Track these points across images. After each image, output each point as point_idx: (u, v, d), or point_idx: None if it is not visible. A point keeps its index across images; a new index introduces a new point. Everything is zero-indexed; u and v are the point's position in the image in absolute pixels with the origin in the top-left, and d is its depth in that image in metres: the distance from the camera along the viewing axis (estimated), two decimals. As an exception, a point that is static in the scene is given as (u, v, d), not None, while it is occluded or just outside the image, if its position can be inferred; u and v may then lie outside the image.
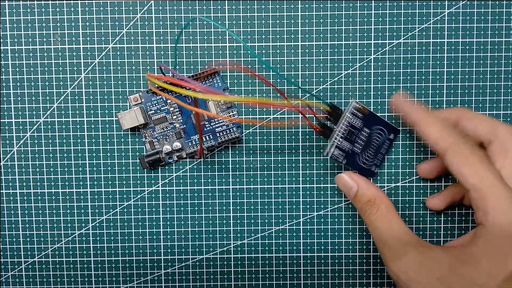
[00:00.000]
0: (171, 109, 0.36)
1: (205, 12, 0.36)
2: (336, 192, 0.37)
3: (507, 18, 0.36)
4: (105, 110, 0.37)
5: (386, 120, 0.36)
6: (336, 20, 0.36)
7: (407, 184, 0.37)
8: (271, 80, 0.36)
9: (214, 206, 0.37)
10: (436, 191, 0.37)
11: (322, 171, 0.37)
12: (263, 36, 0.36)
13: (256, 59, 0.36)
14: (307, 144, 0.37)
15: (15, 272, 0.38)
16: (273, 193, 0.37)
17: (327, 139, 0.34)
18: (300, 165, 0.37)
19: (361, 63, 0.36)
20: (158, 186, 0.37)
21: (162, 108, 0.36)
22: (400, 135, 0.37)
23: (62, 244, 0.38)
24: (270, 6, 0.36)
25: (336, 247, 0.37)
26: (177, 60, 0.36)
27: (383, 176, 0.37)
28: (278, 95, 0.36)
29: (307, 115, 0.34)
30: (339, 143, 0.34)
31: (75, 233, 0.38)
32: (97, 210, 0.37)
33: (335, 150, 0.34)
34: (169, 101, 0.36)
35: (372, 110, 0.35)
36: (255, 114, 0.37)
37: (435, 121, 0.31)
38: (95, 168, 0.37)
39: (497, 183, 0.27)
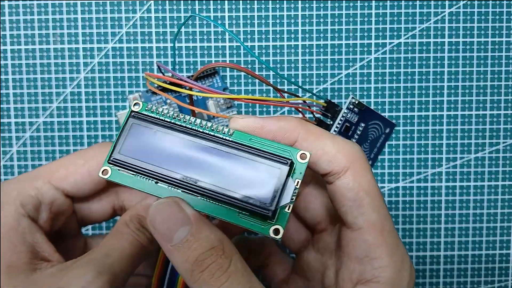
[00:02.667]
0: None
1: (205, 12, 0.36)
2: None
3: (507, 18, 0.36)
4: (105, 110, 0.36)
5: (382, 115, 0.36)
6: (336, 20, 0.36)
7: (407, 184, 0.37)
8: (271, 81, 0.36)
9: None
10: (437, 191, 0.37)
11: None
12: (263, 36, 0.36)
13: (256, 58, 0.36)
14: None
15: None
16: (273, 193, 0.37)
17: None
18: (300, 165, 0.37)
19: (361, 63, 0.36)
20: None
21: (162, 108, 0.36)
22: (401, 135, 0.37)
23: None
24: (270, 6, 0.36)
25: (336, 248, 0.37)
26: (177, 59, 0.36)
27: (383, 176, 0.37)
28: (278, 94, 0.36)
29: (304, 112, 0.33)
30: None
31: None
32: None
33: None
34: (168, 101, 0.36)
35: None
36: (255, 114, 0.37)
37: (323, 132, 0.22)
38: (94, 168, 0.37)
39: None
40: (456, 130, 0.37)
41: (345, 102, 0.36)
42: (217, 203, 0.20)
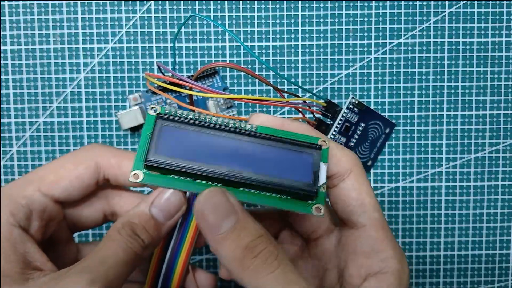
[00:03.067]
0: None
1: (205, 12, 0.36)
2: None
3: (507, 18, 0.36)
4: (105, 110, 0.36)
5: (382, 115, 0.36)
6: (336, 20, 0.36)
7: (407, 184, 0.37)
8: (271, 81, 0.36)
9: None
10: (437, 191, 0.37)
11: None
12: (263, 36, 0.36)
13: (256, 58, 0.36)
14: (307, 144, 0.37)
15: None
16: (273, 193, 0.37)
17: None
18: (300, 165, 0.37)
19: (361, 63, 0.36)
20: (158, 186, 0.37)
21: (162, 108, 0.36)
22: (401, 135, 0.37)
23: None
24: (270, 6, 0.36)
25: (336, 248, 0.37)
26: (177, 59, 0.36)
27: (383, 176, 0.37)
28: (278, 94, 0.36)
29: (304, 112, 0.34)
30: (333, 137, 0.34)
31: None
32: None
33: None
34: (168, 100, 0.36)
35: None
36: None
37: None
38: (94, 168, 0.37)
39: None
40: (456, 130, 0.37)
41: (345, 102, 0.36)
42: (259, 192, 0.21)
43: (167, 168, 0.20)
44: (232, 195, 0.20)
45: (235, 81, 0.36)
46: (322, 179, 0.21)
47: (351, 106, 0.33)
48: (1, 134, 0.37)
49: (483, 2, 0.36)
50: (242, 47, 0.36)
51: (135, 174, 0.20)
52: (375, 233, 0.22)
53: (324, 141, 0.22)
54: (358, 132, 0.35)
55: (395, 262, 0.21)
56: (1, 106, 0.36)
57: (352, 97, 0.33)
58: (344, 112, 0.33)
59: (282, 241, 0.27)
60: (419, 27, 0.36)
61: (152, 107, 0.21)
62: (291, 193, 0.21)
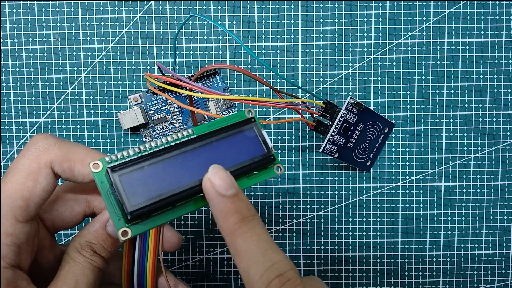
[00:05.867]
0: (171, 109, 0.36)
1: (205, 12, 0.36)
2: (336, 192, 0.37)
3: (507, 18, 0.36)
4: (105, 110, 0.37)
5: (380, 115, 0.36)
6: (336, 20, 0.36)
7: (407, 184, 0.37)
8: (271, 80, 0.36)
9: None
10: (436, 191, 0.37)
11: (322, 171, 0.37)
12: (263, 36, 0.36)
13: (255, 59, 0.36)
14: (307, 144, 0.37)
15: None
16: (273, 193, 0.37)
17: (321, 135, 0.34)
18: (300, 165, 0.37)
19: (361, 63, 0.36)
20: (158, 186, 0.37)
21: (162, 108, 0.36)
22: (400, 135, 0.37)
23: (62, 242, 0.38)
24: (270, 6, 0.36)
25: (336, 247, 0.37)
26: (177, 60, 0.36)
27: (383, 176, 0.37)
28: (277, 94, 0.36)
29: (303, 113, 0.34)
30: (332, 137, 0.34)
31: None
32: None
33: (327, 145, 0.34)
34: (169, 101, 0.36)
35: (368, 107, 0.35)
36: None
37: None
38: (95, 168, 0.37)
39: None
40: (456, 130, 0.37)
41: (344, 103, 0.36)
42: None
43: (150, 210, 0.20)
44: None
45: (235, 81, 0.36)
46: (269, 142, 0.23)
47: (350, 107, 0.34)
48: (1, 134, 0.37)
49: (483, 2, 0.36)
50: (242, 47, 0.36)
51: (123, 232, 0.20)
52: None
53: (249, 110, 0.23)
54: (357, 133, 0.35)
55: None
56: (1, 106, 0.36)
57: (351, 98, 0.33)
58: (343, 113, 0.33)
59: None
60: (419, 27, 0.36)
61: (94, 163, 0.21)
62: (255, 169, 0.23)
